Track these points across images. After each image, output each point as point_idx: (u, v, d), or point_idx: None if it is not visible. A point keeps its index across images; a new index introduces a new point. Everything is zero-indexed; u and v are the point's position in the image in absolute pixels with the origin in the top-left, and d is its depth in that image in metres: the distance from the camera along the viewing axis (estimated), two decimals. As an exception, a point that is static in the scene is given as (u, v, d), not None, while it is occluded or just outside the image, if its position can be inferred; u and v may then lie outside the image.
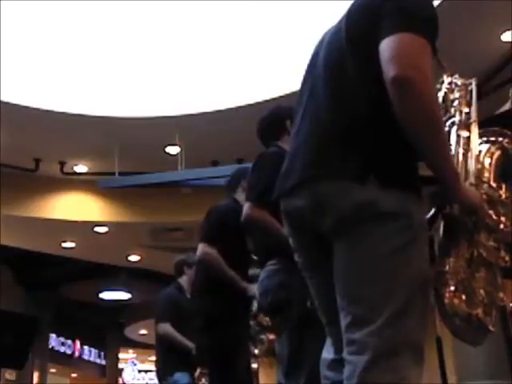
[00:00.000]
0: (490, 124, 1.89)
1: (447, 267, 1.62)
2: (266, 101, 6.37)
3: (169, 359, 4.70)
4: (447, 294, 1.59)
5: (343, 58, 1.66)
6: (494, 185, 1.73)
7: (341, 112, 1.63)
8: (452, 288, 1.60)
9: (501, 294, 1.67)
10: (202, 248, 3.48)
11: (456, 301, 1.60)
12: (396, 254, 1.52)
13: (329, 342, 1.78)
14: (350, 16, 1.72)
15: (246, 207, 2.75)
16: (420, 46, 1.53)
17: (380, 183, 1.53)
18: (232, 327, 3.36)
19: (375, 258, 1.53)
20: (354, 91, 1.62)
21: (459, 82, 1.82)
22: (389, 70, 1.51)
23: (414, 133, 1.52)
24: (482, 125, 1.80)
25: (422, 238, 1.58)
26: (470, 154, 1.72)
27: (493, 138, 1.81)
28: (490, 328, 1.62)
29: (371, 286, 1.52)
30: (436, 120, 1.56)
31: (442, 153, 1.57)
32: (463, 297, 1.60)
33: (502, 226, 1.69)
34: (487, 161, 1.77)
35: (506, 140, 1.82)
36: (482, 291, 1.63)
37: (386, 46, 1.54)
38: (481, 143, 1.77)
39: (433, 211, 1.67)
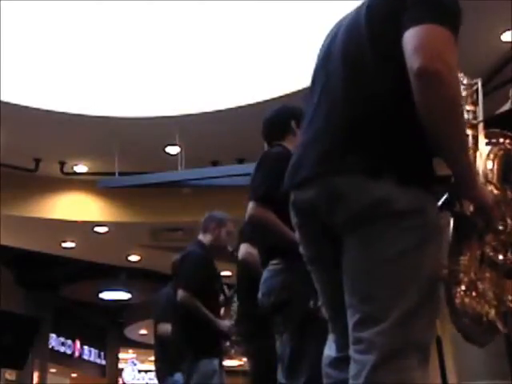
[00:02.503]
0: (489, 124, 1.88)
1: (460, 266, 1.60)
2: (266, 101, 6.37)
3: (168, 359, 4.70)
4: (458, 294, 1.58)
5: (362, 49, 1.62)
6: (499, 186, 1.72)
7: (358, 105, 1.59)
8: (463, 287, 1.59)
9: (509, 296, 1.65)
10: (246, 248, 3.46)
11: (467, 300, 1.58)
12: (410, 254, 1.50)
13: (331, 338, 1.76)
14: (371, 6, 1.67)
15: (250, 207, 2.74)
16: (445, 38, 1.50)
17: (397, 180, 1.50)
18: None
19: (389, 257, 1.50)
20: (373, 83, 1.58)
21: (465, 81, 1.81)
22: (414, 62, 1.47)
23: (436, 126, 1.49)
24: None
25: (437, 236, 1.55)
26: (477, 154, 1.71)
27: (494, 140, 1.81)
28: (501, 329, 1.61)
29: (383, 285, 1.50)
30: (460, 114, 1.53)
31: (463, 148, 1.54)
32: (474, 296, 1.59)
33: (508, 227, 1.68)
34: (490, 162, 1.76)
35: (508, 141, 1.81)
36: (490, 292, 1.62)
37: (411, 37, 1.50)
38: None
39: (441, 201, 1.64)
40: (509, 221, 1.69)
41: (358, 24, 1.67)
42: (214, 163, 8.15)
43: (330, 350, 1.75)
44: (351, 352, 1.54)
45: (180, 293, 3.97)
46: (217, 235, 4.14)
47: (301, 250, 1.78)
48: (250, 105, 6.71)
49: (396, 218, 1.50)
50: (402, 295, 1.49)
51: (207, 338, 3.89)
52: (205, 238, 4.19)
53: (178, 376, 4.51)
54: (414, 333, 1.49)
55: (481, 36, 5.50)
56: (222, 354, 4.09)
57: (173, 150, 7.75)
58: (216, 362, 3.92)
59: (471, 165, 1.58)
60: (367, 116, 1.57)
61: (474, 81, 1.83)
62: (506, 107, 3.24)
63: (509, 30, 5.50)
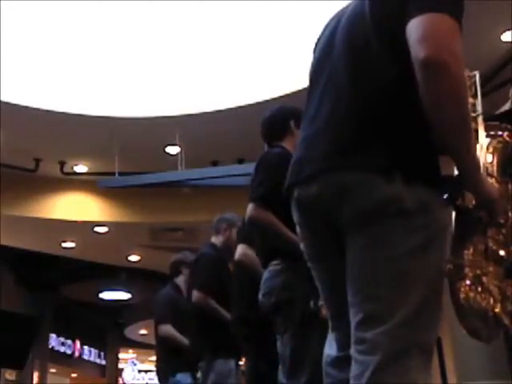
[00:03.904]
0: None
1: (464, 260, 1.58)
2: (266, 101, 6.37)
3: (171, 360, 4.70)
4: (463, 288, 1.57)
5: (367, 40, 1.58)
6: (499, 179, 1.71)
7: (364, 99, 1.55)
8: (468, 282, 1.57)
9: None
10: (242, 249, 3.47)
11: (472, 295, 1.57)
12: (416, 254, 1.47)
13: (332, 337, 1.73)
14: None
15: (250, 208, 2.74)
16: (451, 27, 1.46)
17: (405, 178, 1.47)
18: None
19: (395, 256, 1.47)
20: (378, 75, 1.54)
21: None
22: (419, 51, 1.42)
23: (441, 117, 1.45)
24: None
25: (442, 236, 1.53)
26: (478, 147, 1.69)
27: (493, 132, 1.80)
28: (507, 323, 1.60)
29: (388, 284, 1.48)
30: (466, 106, 1.49)
31: (468, 141, 1.50)
32: (479, 291, 1.58)
33: (509, 221, 1.67)
34: (490, 155, 1.75)
35: (507, 133, 1.80)
36: (495, 286, 1.60)
37: (415, 26, 1.45)
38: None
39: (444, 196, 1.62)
40: (510, 214, 1.68)
41: (361, 12, 1.63)
42: (214, 163, 8.15)
43: (330, 349, 1.73)
44: (353, 352, 1.51)
45: (195, 293, 4.02)
46: (227, 236, 4.18)
47: (302, 247, 1.75)
48: (249, 105, 6.71)
49: (404, 217, 1.48)
50: (407, 295, 1.47)
51: (223, 338, 3.89)
52: (217, 239, 4.25)
53: (180, 376, 4.51)
54: (418, 333, 1.47)
55: (481, 36, 5.50)
56: (239, 354, 4.09)
57: (173, 149, 7.75)
58: (232, 362, 3.93)
59: (476, 158, 1.54)
60: (374, 112, 1.53)
61: (473, 73, 1.81)
62: (506, 107, 3.24)
63: (509, 29, 5.50)
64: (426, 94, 1.44)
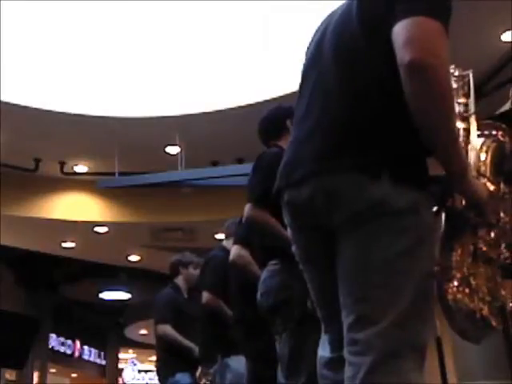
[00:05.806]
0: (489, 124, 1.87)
1: (452, 262, 1.59)
2: (266, 101, 6.36)
3: (170, 360, 4.70)
4: (450, 290, 1.57)
5: (355, 41, 1.59)
6: (492, 179, 1.71)
7: (352, 100, 1.56)
8: (456, 283, 1.58)
9: (503, 292, 1.65)
10: (236, 250, 3.47)
11: (459, 296, 1.57)
12: (406, 255, 1.48)
13: (325, 338, 1.74)
14: None
15: (248, 208, 2.75)
16: (437, 31, 1.45)
17: (395, 179, 1.48)
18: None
19: (385, 257, 1.48)
20: (365, 76, 1.55)
21: (456, 73, 1.79)
22: (404, 55, 1.43)
23: (426, 120, 1.46)
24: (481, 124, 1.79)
25: (432, 236, 1.54)
26: (469, 147, 1.69)
27: (487, 132, 1.79)
28: (494, 324, 1.60)
29: (379, 285, 1.48)
30: (451, 110, 1.50)
31: (455, 143, 1.51)
32: (467, 292, 1.58)
33: (501, 221, 1.67)
34: (483, 154, 1.75)
35: (501, 133, 1.80)
36: (484, 287, 1.61)
37: (401, 30, 1.46)
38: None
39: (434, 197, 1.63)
40: (502, 215, 1.68)
41: (350, 13, 1.63)
42: (214, 163, 8.15)
43: (323, 351, 1.73)
44: (346, 354, 1.52)
45: (205, 294, 4.11)
46: None
47: (293, 249, 1.76)
48: (249, 105, 6.71)
49: (393, 218, 1.48)
50: (398, 296, 1.48)
51: (232, 337, 3.91)
52: (227, 243, 4.27)
53: (179, 376, 4.52)
54: (409, 333, 1.48)
55: (481, 36, 5.50)
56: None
57: (173, 149, 7.75)
58: (243, 361, 3.93)
59: (464, 159, 1.56)
60: (363, 113, 1.54)
61: (466, 72, 1.81)
62: (506, 107, 3.24)
63: (509, 29, 5.50)
64: (411, 97, 1.45)
